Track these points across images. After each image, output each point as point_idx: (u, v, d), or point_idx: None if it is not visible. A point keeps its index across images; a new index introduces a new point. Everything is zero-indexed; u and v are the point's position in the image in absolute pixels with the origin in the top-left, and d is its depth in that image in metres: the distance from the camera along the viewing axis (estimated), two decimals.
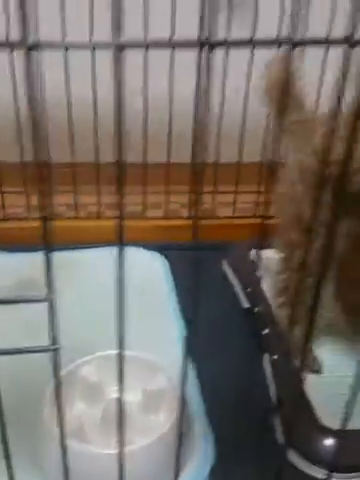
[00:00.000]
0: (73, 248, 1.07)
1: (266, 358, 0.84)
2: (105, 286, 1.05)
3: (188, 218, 1.16)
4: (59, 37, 0.98)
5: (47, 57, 0.47)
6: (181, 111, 1.05)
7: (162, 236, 1.15)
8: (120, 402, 0.45)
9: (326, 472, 0.64)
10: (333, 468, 0.63)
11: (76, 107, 1.06)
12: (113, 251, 1.17)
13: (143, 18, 0.99)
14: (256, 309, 0.94)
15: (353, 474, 0.64)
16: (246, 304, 0.98)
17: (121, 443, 0.45)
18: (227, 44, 0.27)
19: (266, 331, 0.87)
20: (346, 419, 0.47)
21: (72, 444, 0.59)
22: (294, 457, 0.68)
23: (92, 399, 0.72)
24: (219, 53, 0.36)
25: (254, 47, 0.87)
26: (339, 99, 0.29)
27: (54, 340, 0.39)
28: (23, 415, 0.69)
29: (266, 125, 1.05)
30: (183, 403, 0.66)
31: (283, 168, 0.79)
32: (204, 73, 0.30)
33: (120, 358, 0.41)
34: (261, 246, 1.08)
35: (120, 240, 0.37)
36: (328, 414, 0.70)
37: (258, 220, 1.14)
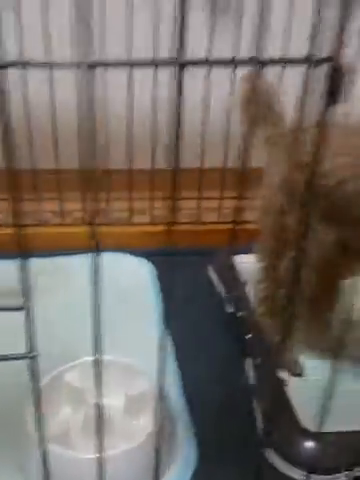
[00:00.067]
0: (59, 254, 1.08)
1: (249, 362, 0.86)
2: (90, 292, 1.05)
3: (167, 224, 1.17)
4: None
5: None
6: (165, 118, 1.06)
7: (148, 242, 1.16)
8: (99, 407, 0.45)
9: (306, 473, 0.65)
10: (313, 470, 0.64)
11: (60, 113, 1.06)
12: (100, 257, 1.17)
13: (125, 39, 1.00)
14: (240, 314, 0.95)
15: (332, 476, 0.65)
16: (230, 309, 0.99)
17: (100, 448, 0.46)
18: (193, 63, 0.28)
19: (249, 336, 0.89)
20: (321, 422, 0.48)
21: (54, 449, 0.60)
22: (275, 459, 0.69)
23: (77, 404, 0.73)
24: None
25: (236, 67, 0.88)
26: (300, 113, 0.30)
27: (31, 348, 0.40)
28: (7, 420, 0.70)
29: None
30: (161, 406, 0.67)
31: (265, 176, 0.80)
32: (181, 88, 0.31)
33: (97, 363, 0.42)
34: (236, 252, 1.10)
35: (96, 246, 0.38)
36: (309, 416, 0.71)
37: (242, 226, 1.15)
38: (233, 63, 0.29)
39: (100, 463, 0.48)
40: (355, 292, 0.80)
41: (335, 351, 0.81)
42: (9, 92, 0.31)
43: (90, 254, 1.17)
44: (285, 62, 0.30)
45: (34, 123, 1.06)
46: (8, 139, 0.30)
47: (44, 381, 0.71)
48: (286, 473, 0.67)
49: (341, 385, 0.77)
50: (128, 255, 1.10)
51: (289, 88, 0.87)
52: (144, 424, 0.69)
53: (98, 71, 0.31)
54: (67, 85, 1.01)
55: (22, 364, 0.44)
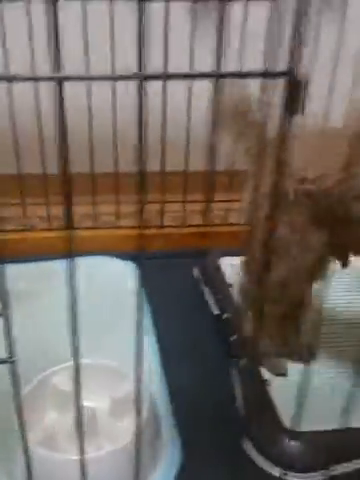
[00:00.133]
0: (45, 259, 1.08)
1: (234, 363, 0.87)
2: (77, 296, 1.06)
3: (159, 227, 1.19)
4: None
5: None
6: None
7: (135, 245, 1.17)
8: (79, 410, 0.47)
9: (288, 472, 0.67)
10: (292, 468, 0.66)
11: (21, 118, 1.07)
12: (86, 261, 1.19)
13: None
14: (225, 316, 0.97)
15: (309, 474, 0.66)
16: (216, 311, 1.01)
17: (81, 450, 0.47)
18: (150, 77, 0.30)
19: (234, 337, 0.90)
20: (297, 421, 0.49)
21: (39, 451, 0.61)
22: (257, 457, 0.70)
23: (63, 407, 0.74)
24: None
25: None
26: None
27: (11, 353, 0.41)
28: None
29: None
30: (144, 407, 0.69)
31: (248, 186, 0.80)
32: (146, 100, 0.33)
33: (76, 367, 0.44)
34: (221, 254, 1.11)
35: (70, 251, 0.39)
36: (291, 416, 0.73)
37: (230, 228, 1.18)
38: (191, 76, 0.30)
39: (82, 464, 0.49)
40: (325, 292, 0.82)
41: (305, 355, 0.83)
42: None
43: (76, 258, 1.17)
44: (244, 75, 0.31)
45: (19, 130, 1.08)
46: None
47: (31, 385, 0.73)
48: (268, 471, 0.68)
49: (320, 385, 0.79)
50: (114, 258, 1.11)
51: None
52: (129, 426, 0.71)
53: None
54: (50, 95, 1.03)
55: (6, 367, 0.45)
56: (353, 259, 0.81)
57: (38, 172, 1.11)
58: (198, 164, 1.14)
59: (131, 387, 0.73)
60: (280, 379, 0.82)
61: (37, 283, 1.02)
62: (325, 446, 0.65)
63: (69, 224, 0.36)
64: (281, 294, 0.77)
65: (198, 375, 0.86)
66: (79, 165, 1.14)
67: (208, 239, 1.17)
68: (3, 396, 0.76)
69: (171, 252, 1.15)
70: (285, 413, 0.73)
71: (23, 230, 1.13)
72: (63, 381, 0.74)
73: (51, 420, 0.72)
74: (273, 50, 0.30)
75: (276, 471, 0.67)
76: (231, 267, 1.10)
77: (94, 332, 0.90)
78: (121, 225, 1.19)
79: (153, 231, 1.19)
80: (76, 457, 0.49)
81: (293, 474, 0.66)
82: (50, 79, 0.32)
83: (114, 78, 0.33)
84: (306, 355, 0.85)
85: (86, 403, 0.74)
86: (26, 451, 0.47)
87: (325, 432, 0.67)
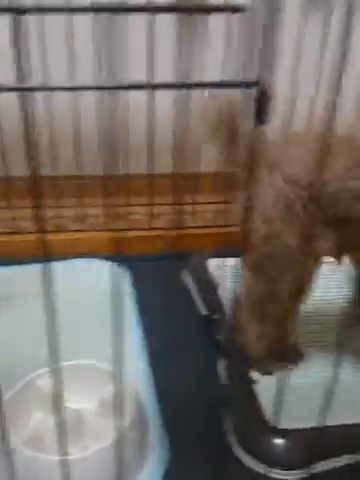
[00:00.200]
0: (38, 261, 1.09)
1: (221, 363, 0.88)
2: (64, 298, 1.07)
3: (149, 229, 1.19)
4: None
5: None
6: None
7: (124, 247, 1.18)
8: (60, 412, 0.47)
9: (273, 470, 0.68)
10: (276, 465, 0.67)
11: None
12: (77, 263, 1.19)
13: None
14: (213, 316, 0.98)
15: (292, 471, 0.67)
16: (204, 311, 1.02)
17: (61, 451, 0.48)
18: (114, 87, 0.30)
19: (221, 337, 0.91)
20: (277, 418, 0.50)
21: (22, 451, 0.62)
22: (243, 455, 0.71)
23: (49, 408, 0.74)
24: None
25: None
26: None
27: None
28: None
29: None
30: (132, 408, 0.69)
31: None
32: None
33: (55, 371, 0.44)
34: (210, 255, 1.12)
35: (45, 254, 0.40)
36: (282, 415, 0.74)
37: (218, 229, 1.19)
38: (161, 87, 0.31)
39: (65, 464, 0.50)
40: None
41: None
42: None
43: (62, 262, 1.19)
44: (214, 86, 0.32)
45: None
46: None
47: (17, 387, 0.73)
48: (253, 468, 0.69)
49: (305, 383, 0.80)
50: (103, 261, 1.12)
51: None
52: (116, 426, 0.71)
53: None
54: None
55: None
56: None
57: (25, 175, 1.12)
58: (186, 166, 1.15)
59: (120, 388, 0.74)
60: (266, 378, 0.83)
61: (24, 285, 1.03)
62: (310, 443, 0.65)
63: (42, 227, 0.36)
64: (287, 297, 0.77)
65: (186, 374, 0.87)
66: (66, 168, 1.16)
67: (196, 241, 1.17)
68: None
69: (160, 254, 1.16)
70: (271, 412, 0.74)
71: (10, 233, 1.14)
72: (49, 383, 0.75)
73: (37, 421, 0.73)
74: (243, 61, 0.31)
75: (261, 468, 0.68)
76: (219, 268, 1.11)
77: (81, 333, 0.91)
78: (110, 228, 1.20)
79: (142, 233, 1.20)
80: (59, 458, 0.49)
81: (278, 471, 0.67)
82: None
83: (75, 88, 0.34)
84: (294, 356, 0.86)
85: (72, 404, 0.76)
86: (8, 454, 0.47)
87: (310, 429, 0.68)
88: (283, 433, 0.69)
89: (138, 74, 0.56)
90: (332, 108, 0.38)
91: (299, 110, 1.05)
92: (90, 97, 0.79)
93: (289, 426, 0.70)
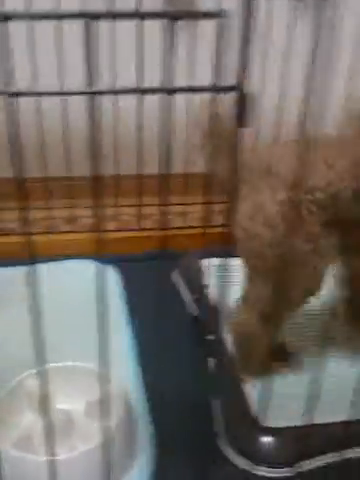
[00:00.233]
0: (26, 263, 1.09)
1: (210, 362, 0.88)
2: (54, 299, 1.08)
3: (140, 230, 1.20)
4: None
5: None
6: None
7: (115, 248, 1.18)
8: (47, 414, 0.48)
9: (261, 468, 0.68)
10: (267, 463, 0.68)
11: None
12: (66, 264, 1.20)
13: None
14: (203, 316, 0.98)
15: (285, 469, 0.68)
16: (194, 312, 1.02)
17: (49, 452, 0.48)
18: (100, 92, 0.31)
19: (210, 336, 0.92)
20: (263, 416, 0.51)
21: (10, 452, 0.62)
22: (232, 454, 0.72)
23: (40, 410, 0.75)
24: None
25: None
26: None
27: None
28: None
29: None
30: (121, 409, 0.70)
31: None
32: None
33: (41, 373, 0.45)
34: (201, 255, 1.13)
35: (30, 256, 0.40)
36: (269, 413, 0.75)
37: (208, 230, 1.19)
38: (140, 91, 0.32)
39: (52, 465, 0.50)
40: None
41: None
42: None
43: (52, 263, 1.19)
44: (193, 90, 0.33)
45: None
46: None
47: (7, 388, 0.74)
48: (241, 466, 0.70)
49: (291, 381, 0.81)
50: (93, 261, 1.12)
51: None
52: (104, 427, 0.72)
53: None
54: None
55: None
56: None
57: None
58: (176, 167, 1.15)
59: (108, 389, 0.75)
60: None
61: (12, 287, 1.03)
62: (297, 441, 0.66)
63: (26, 230, 0.37)
64: (297, 300, 0.77)
65: (175, 374, 0.88)
66: (56, 169, 1.16)
67: (187, 241, 1.18)
68: None
69: (150, 254, 1.17)
70: (261, 410, 0.74)
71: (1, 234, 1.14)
72: (39, 384, 0.75)
73: (28, 422, 0.73)
74: (222, 66, 0.32)
75: (249, 467, 0.68)
76: (209, 268, 1.11)
77: (72, 334, 0.92)
78: (100, 229, 1.20)
79: (133, 233, 1.20)
80: (46, 458, 0.50)
81: (265, 469, 0.68)
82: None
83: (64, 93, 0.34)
84: (291, 358, 0.86)
85: (62, 405, 0.76)
86: None
87: (296, 427, 0.68)
88: (270, 431, 0.70)
89: (124, 78, 0.57)
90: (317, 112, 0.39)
91: (285, 113, 1.07)
92: (79, 99, 0.79)
93: (277, 424, 0.71)
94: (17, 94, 0.31)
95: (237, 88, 0.33)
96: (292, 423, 0.69)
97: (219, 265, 1.12)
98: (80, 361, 0.79)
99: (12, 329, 0.92)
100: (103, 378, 0.75)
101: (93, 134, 0.36)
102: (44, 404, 0.47)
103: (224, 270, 1.12)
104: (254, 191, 0.72)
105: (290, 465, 0.66)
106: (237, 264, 1.12)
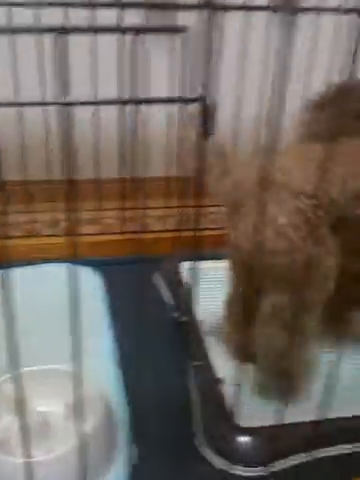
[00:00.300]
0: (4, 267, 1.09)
1: (190, 364, 0.90)
2: (35, 303, 1.08)
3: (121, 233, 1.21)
4: None
5: None
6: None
7: (97, 251, 1.19)
8: (23, 416, 0.48)
9: (237, 467, 0.70)
10: (243, 463, 0.69)
11: None
12: (47, 268, 1.20)
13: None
14: (183, 318, 1.00)
15: (261, 467, 0.69)
16: (175, 313, 1.03)
17: (25, 454, 0.49)
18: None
19: (190, 338, 0.93)
20: (237, 416, 0.52)
21: None
22: (209, 454, 0.73)
23: (16, 412, 0.75)
24: None
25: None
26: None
27: None
28: None
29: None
30: (100, 411, 0.71)
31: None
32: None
33: (16, 377, 0.45)
34: (181, 258, 1.14)
35: (6, 260, 0.41)
36: (244, 413, 0.76)
37: (189, 233, 1.20)
38: (116, 102, 0.33)
39: (28, 467, 0.51)
40: None
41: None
42: None
43: (29, 267, 1.19)
44: (159, 102, 0.34)
45: None
46: None
47: None
48: (217, 466, 0.71)
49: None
50: (75, 265, 1.13)
51: None
52: (81, 429, 0.72)
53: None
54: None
55: None
56: None
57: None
58: (158, 170, 1.17)
59: (88, 391, 0.75)
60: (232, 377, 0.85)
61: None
62: (274, 441, 0.67)
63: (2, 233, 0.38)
64: (313, 305, 0.76)
65: (155, 376, 0.89)
66: (37, 172, 1.16)
67: (169, 244, 1.19)
68: None
69: (132, 257, 1.18)
70: (239, 411, 0.76)
71: None
72: (17, 387, 0.76)
73: (5, 424, 0.74)
74: (187, 78, 0.33)
75: (226, 466, 0.70)
76: (190, 271, 1.12)
77: (52, 337, 0.92)
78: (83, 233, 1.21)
79: (116, 237, 1.21)
80: (23, 460, 0.50)
81: (242, 469, 0.69)
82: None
83: (43, 103, 0.35)
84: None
85: (41, 408, 0.77)
86: None
87: (273, 427, 0.69)
88: (246, 431, 0.71)
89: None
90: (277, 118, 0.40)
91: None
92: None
93: (254, 424, 0.72)
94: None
95: (201, 99, 0.34)
96: (267, 423, 0.70)
97: (201, 268, 1.14)
98: (60, 364, 0.80)
99: None
100: (77, 380, 0.76)
101: (66, 141, 0.37)
102: (20, 407, 0.47)
103: (204, 272, 1.13)
104: (260, 205, 0.71)
105: (265, 464, 0.67)
106: (217, 266, 1.15)
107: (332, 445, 0.71)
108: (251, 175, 0.72)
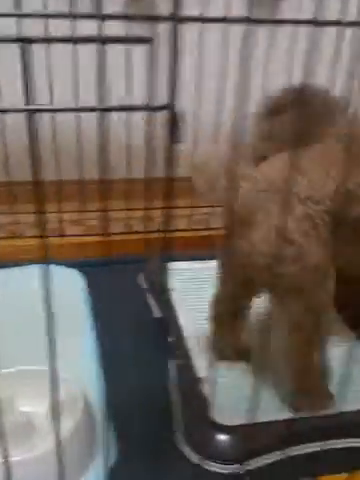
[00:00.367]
0: None
1: (171, 363, 0.91)
2: (18, 304, 1.08)
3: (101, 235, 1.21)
4: None
5: None
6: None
7: (81, 253, 1.20)
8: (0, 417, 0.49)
9: (216, 464, 0.71)
10: (221, 460, 0.70)
11: None
12: (31, 269, 1.21)
13: None
14: (165, 318, 1.01)
15: (237, 465, 0.71)
16: (158, 314, 1.04)
17: (3, 454, 0.49)
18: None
19: (172, 338, 0.94)
20: (213, 413, 0.53)
21: None
22: (188, 451, 0.74)
23: (4, 412, 0.76)
24: None
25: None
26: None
27: None
28: None
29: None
30: (80, 409, 0.71)
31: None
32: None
33: None
34: (164, 259, 1.15)
35: None
36: (224, 412, 0.78)
37: (172, 234, 1.21)
38: (76, 110, 0.34)
39: (7, 467, 0.51)
40: None
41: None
42: None
43: (20, 267, 1.19)
44: (126, 109, 0.35)
45: None
46: None
47: None
48: (196, 462, 0.72)
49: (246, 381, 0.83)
50: (58, 266, 1.13)
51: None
52: (66, 429, 0.73)
53: None
54: None
55: None
56: None
57: None
58: (140, 171, 1.17)
59: (68, 391, 0.76)
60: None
61: None
62: (253, 438, 0.69)
63: None
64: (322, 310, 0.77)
65: (137, 376, 0.90)
66: (21, 173, 1.17)
67: (152, 245, 1.20)
68: None
69: (116, 258, 1.18)
70: (217, 409, 0.77)
71: None
72: (2, 387, 0.76)
73: None
74: (155, 86, 0.34)
75: (204, 463, 0.71)
76: (173, 272, 1.14)
77: (36, 338, 0.92)
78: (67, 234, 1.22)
79: (98, 238, 1.22)
80: (0, 460, 0.51)
81: (220, 466, 0.70)
82: None
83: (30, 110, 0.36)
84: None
85: (25, 408, 0.77)
86: None
87: (252, 425, 0.69)
88: (224, 429, 0.72)
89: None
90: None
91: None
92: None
93: (232, 422, 0.73)
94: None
95: (168, 107, 0.35)
96: (245, 421, 0.72)
97: (183, 268, 1.15)
98: (45, 365, 0.80)
99: None
100: (53, 379, 0.77)
101: (32, 146, 0.38)
102: None
103: (187, 272, 1.15)
104: (270, 215, 0.71)
105: (241, 462, 0.69)
106: (202, 267, 1.16)
107: (304, 443, 0.73)
108: (257, 186, 0.73)
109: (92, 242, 1.20)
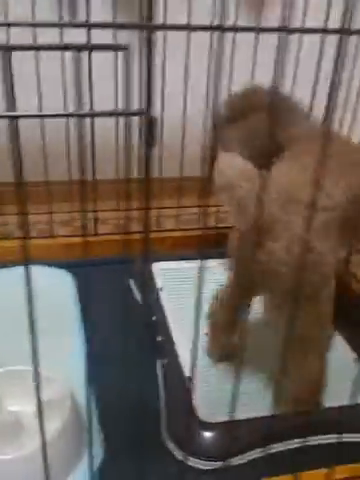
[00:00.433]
0: None
1: (159, 363, 0.92)
2: (7, 305, 1.09)
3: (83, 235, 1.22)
4: None
5: None
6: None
7: (70, 253, 1.20)
8: None
9: (200, 460, 0.72)
10: (205, 456, 0.71)
11: None
12: (20, 270, 1.21)
13: None
14: (153, 318, 1.02)
15: (220, 463, 0.72)
16: (146, 313, 1.05)
17: None
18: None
19: (159, 338, 0.95)
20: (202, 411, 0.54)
21: None
22: (174, 448, 0.75)
23: None
24: None
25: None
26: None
27: None
28: None
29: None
30: (69, 409, 0.72)
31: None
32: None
33: None
34: (153, 259, 1.17)
35: None
36: (208, 410, 0.79)
37: (160, 234, 1.23)
38: (53, 116, 0.35)
39: None
40: None
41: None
42: None
43: (8, 268, 1.19)
44: (103, 115, 0.36)
45: None
46: None
47: None
48: (180, 459, 0.74)
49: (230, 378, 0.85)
50: (48, 267, 1.14)
51: None
52: (55, 428, 0.74)
53: None
54: None
55: None
56: None
57: None
58: (133, 171, 1.18)
59: (58, 392, 0.77)
60: (201, 377, 0.88)
61: None
62: (235, 435, 0.70)
63: None
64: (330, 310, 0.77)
65: (125, 376, 0.90)
66: (7, 175, 1.17)
67: (140, 245, 1.21)
68: None
69: (105, 259, 1.19)
70: (203, 407, 0.78)
71: None
72: None
73: None
74: (130, 92, 0.35)
75: (187, 460, 0.72)
76: (161, 272, 1.15)
77: (24, 339, 0.93)
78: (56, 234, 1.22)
79: (90, 239, 1.22)
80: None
81: (205, 463, 0.72)
82: None
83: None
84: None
85: (13, 407, 0.78)
86: None
87: (236, 422, 0.71)
88: (208, 426, 0.74)
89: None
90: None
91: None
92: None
93: (215, 420, 0.75)
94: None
95: (144, 112, 0.36)
96: (228, 418, 0.73)
97: (171, 268, 1.16)
98: (27, 364, 0.81)
99: None
100: (54, 381, 0.78)
101: (16, 152, 0.39)
102: None
103: (177, 272, 1.16)
104: (289, 224, 0.72)
105: (224, 458, 0.70)
106: (191, 266, 1.17)
107: (285, 440, 0.74)
108: (275, 197, 0.73)
109: (81, 243, 1.20)
